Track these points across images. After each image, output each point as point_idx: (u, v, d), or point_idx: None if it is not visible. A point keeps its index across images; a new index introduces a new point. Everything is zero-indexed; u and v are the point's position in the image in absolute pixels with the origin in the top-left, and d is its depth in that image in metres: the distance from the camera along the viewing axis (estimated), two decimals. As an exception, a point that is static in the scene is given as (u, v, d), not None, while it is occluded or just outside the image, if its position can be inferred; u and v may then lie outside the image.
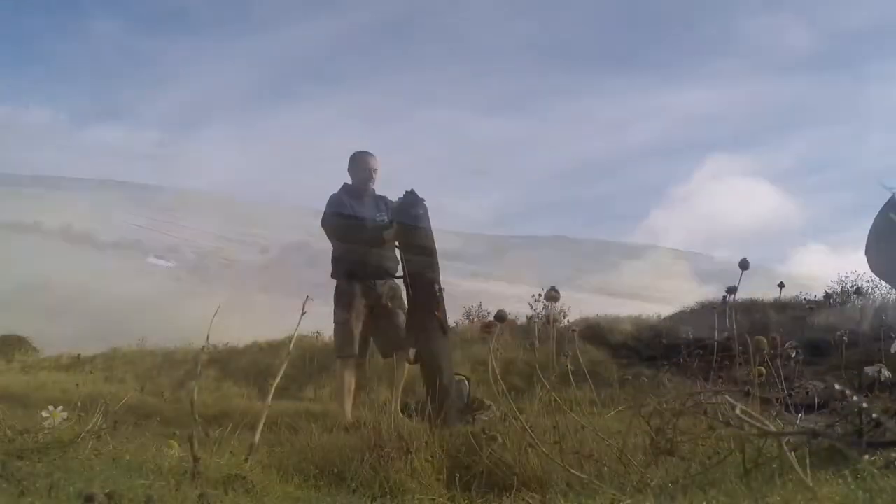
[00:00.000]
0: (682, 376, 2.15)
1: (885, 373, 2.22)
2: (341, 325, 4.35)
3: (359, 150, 4.63)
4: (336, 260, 4.50)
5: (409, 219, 4.01)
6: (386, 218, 4.52)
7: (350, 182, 4.63)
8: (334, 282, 4.55)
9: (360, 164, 4.58)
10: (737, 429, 1.63)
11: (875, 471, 1.18)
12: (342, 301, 4.36)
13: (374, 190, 4.62)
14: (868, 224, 4.24)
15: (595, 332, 9.99)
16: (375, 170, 4.59)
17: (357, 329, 4.33)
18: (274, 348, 12.12)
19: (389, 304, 4.47)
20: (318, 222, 4.61)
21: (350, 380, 4.37)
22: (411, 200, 4.01)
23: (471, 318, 8.28)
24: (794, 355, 2.16)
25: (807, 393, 2.88)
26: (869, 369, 2.25)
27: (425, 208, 4.00)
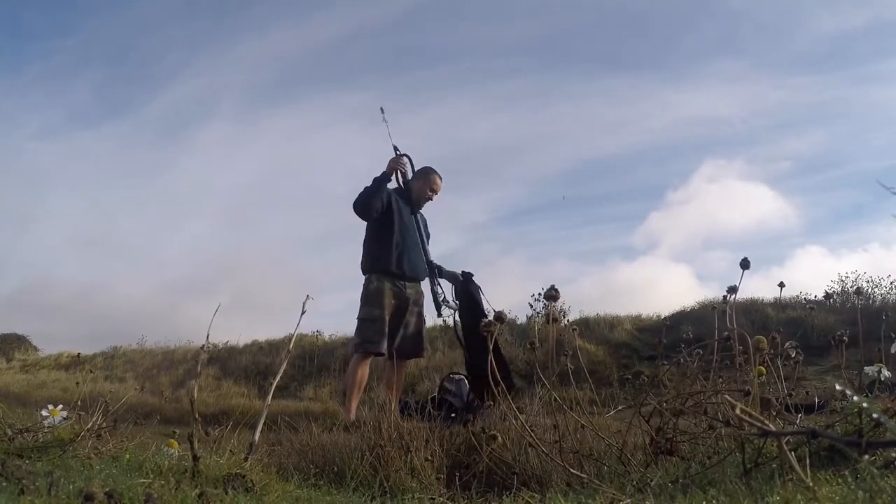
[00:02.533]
0: (681, 376, 2.15)
1: (885, 373, 2.22)
2: (370, 322, 4.31)
3: (432, 166, 4.73)
4: (370, 256, 4.48)
5: (466, 294, 4.51)
6: (422, 227, 4.67)
7: (401, 186, 4.63)
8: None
9: (428, 181, 4.64)
10: (737, 429, 1.63)
11: (875, 471, 1.18)
12: (376, 298, 4.34)
13: None
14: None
15: (595, 332, 10.03)
16: (437, 193, 4.69)
17: (387, 327, 4.33)
18: (274, 348, 12.18)
19: (412, 310, 4.48)
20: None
21: (364, 376, 4.35)
22: (467, 279, 4.56)
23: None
24: (793, 355, 2.15)
25: (807, 393, 2.87)
26: (869, 369, 2.25)
27: (478, 287, 4.53)
